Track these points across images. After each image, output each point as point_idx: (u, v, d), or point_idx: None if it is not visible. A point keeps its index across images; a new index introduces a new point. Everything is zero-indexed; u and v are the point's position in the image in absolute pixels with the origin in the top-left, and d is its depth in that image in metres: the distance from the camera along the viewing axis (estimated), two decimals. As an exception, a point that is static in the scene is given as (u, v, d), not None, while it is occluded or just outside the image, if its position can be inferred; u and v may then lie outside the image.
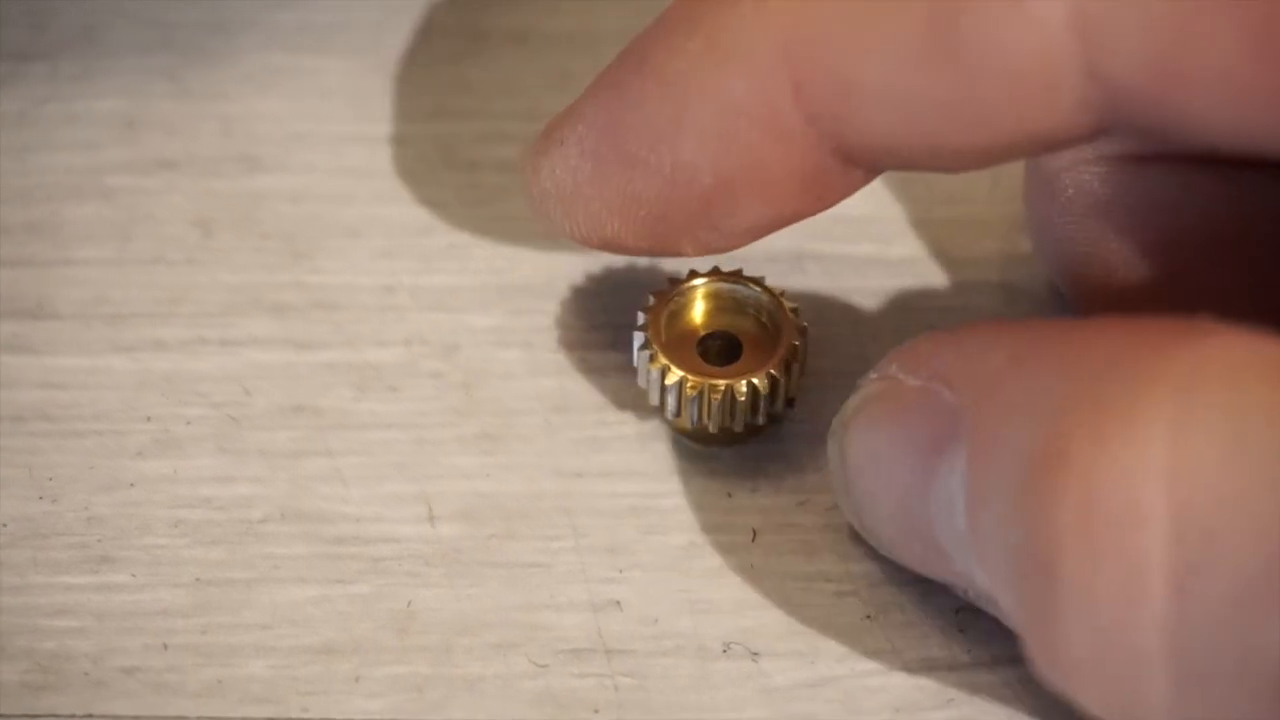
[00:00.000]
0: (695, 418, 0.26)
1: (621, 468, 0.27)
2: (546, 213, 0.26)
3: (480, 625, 0.25)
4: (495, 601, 0.25)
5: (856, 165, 0.24)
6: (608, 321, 0.28)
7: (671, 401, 0.26)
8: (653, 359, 0.26)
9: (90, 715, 0.24)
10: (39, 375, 0.27)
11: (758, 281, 0.27)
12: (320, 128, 0.30)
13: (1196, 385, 0.20)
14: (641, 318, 0.26)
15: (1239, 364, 0.20)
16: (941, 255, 0.29)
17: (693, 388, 0.25)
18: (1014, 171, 0.29)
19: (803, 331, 0.26)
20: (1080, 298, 0.26)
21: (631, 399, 0.27)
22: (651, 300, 0.26)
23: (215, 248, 0.29)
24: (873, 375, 0.24)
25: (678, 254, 0.25)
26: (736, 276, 0.27)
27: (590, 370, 0.28)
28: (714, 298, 0.27)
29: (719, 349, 0.27)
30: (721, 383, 0.25)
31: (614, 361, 0.28)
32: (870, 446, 0.24)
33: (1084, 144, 0.24)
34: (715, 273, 0.27)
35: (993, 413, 0.22)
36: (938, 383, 0.23)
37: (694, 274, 0.27)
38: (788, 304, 0.26)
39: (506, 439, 0.27)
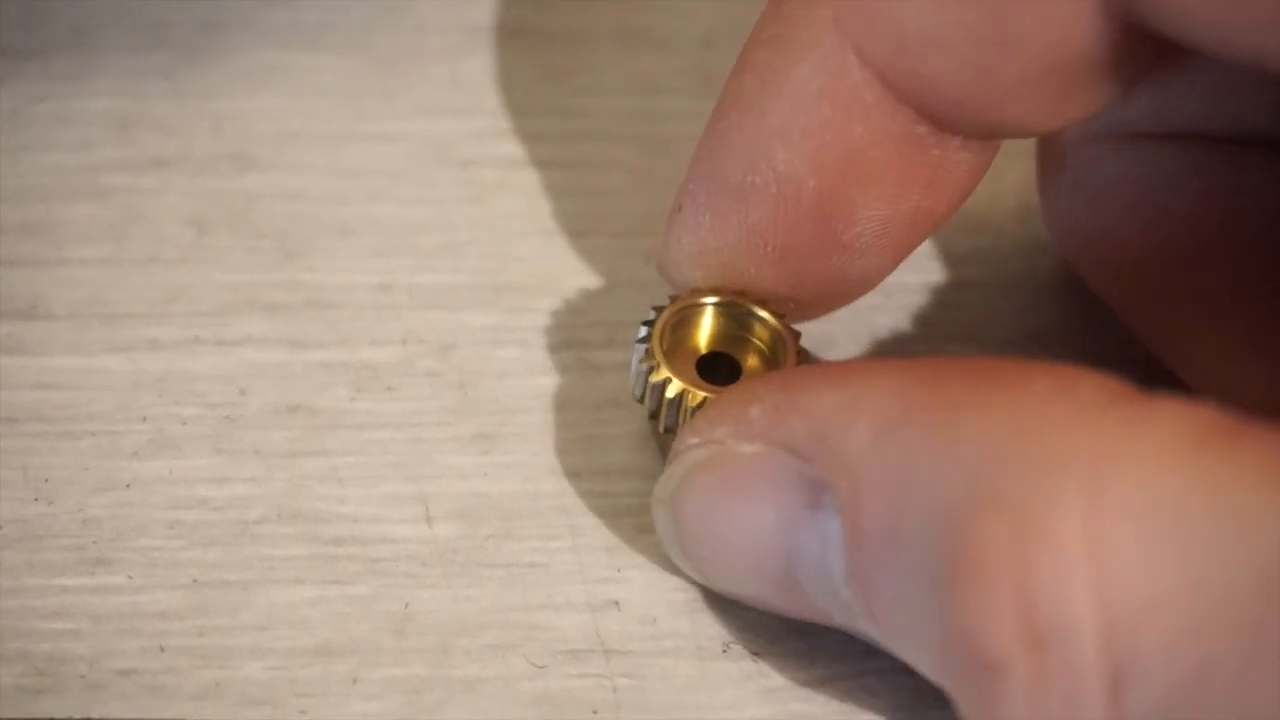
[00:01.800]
0: None
1: (619, 467, 0.26)
2: (691, 282, 0.26)
3: (478, 626, 0.25)
4: (493, 602, 0.25)
5: (947, 130, 0.24)
6: (605, 320, 0.28)
7: (669, 415, 0.25)
8: (654, 371, 0.25)
9: (87, 718, 0.24)
10: (34, 376, 0.27)
11: (764, 305, 0.26)
12: (314, 126, 0.30)
13: (1104, 485, 0.20)
14: (643, 331, 0.26)
15: (1141, 453, 0.20)
16: (938, 250, 0.29)
17: (694, 400, 0.25)
18: (1013, 167, 0.29)
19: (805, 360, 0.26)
20: (1092, 276, 0.26)
21: (629, 398, 0.27)
22: (653, 314, 0.26)
23: (210, 247, 0.29)
24: (692, 440, 0.24)
25: (825, 294, 0.25)
26: (743, 297, 0.26)
27: (587, 369, 0.27)
28: (717, 317, 0.26)
29: (718, 371, 0.26)
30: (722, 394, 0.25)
31: (611, 360, 0.28)
32: (711, 517, 0.24)
33: (1122, 86, 0.24)
34: (721, 291, 0.26)
35: (875, 500, 0.21)
36: (782, 451, 0.22)
37: (697, 291, 0.26)
38: (792, 331, 0.26)
39: (503, 438, 0.27)
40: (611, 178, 0.30)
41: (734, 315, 0.26)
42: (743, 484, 0.23)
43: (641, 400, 0.26)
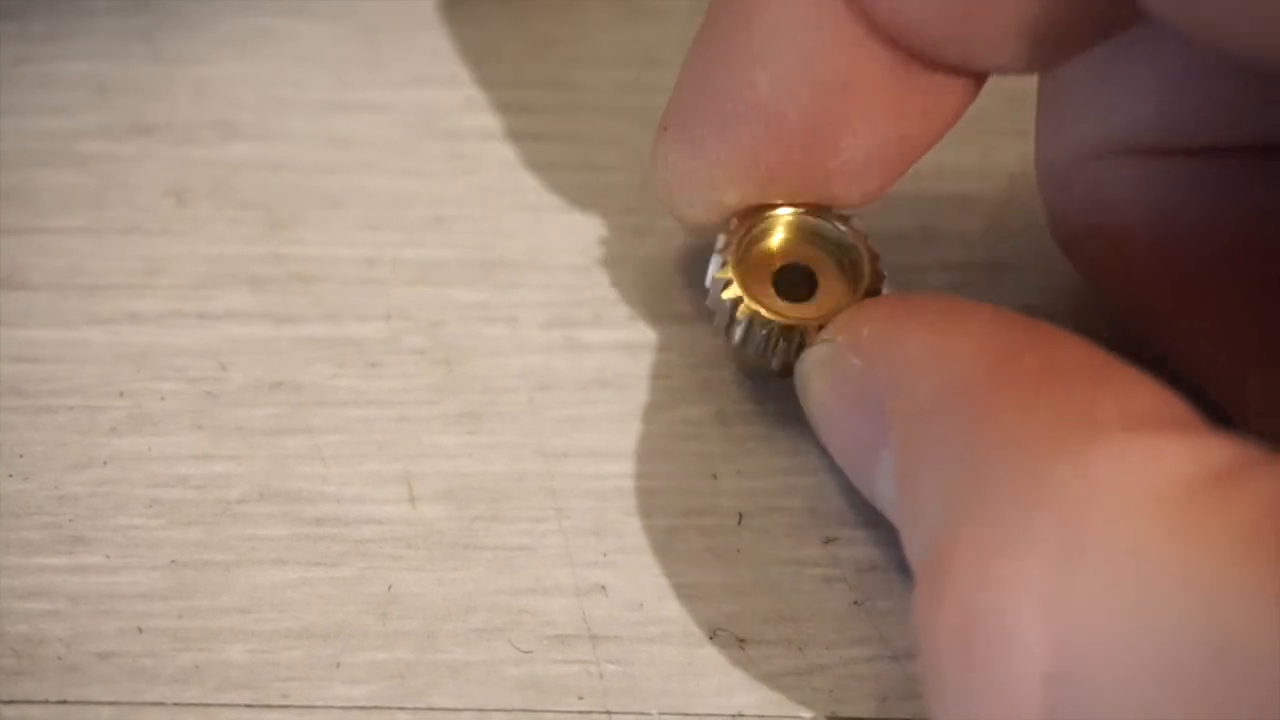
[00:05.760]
0: (760, 352, 0.25)
1: (606, 448, 0.26)
2: (679, 208, 0.26)
3: (464, 610, 0.25)
4: (478, 585, 0.25)
5: (935, 66, 0.24)
6: (594, 298, 0.28)
7: (739, 333, 0.25)
8: (727, 286, 0.25)
9: (64, 701, 0.24)
10: (12, 348, 0.27)
11: (844, 219, 0.26)
12: (299, 94, 0.30)
13: (1083, 519, 0.19)
14: (721, 240, 0.26)
15: (1128, 492, 0.19)
16: (929, 232, 0.28)
17: (762, 325, 0.25)
18: (1004, 146, 0.29)
19: (880, 278, 0.26)
20: (1107, 291, 0.26)
21: (617, 377, 0.27)
22: (733, 223, 0.26)
23: (192, 217, 0.28)
24: (826, 334, 0.25)
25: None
26: (823, 211, 0.26)
27: (575, 348, 0.27)
28: (796, 229, 0.26)
29: (794, 282, 0.26)
30: (793, 320, 0.25)
31: (600, 339, 0.27)
32: (822, 407, 0.24)
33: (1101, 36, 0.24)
34: (801, 205, 0.26)
35: (910, 464, 0.22)
36: (874, 374, 0.23)
37: (775, 205, 0.26)
38: (872, 247, 0.26)
39: (490, 418, 0.26)
40: (602, 152, 0.29)
41: (811, 225, 0.26)
42: (845, 391, 0.24)
43: (715, 313, 0.26)
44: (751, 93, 0.24)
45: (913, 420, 0.22)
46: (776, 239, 0.26)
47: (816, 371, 0.24)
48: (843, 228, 0.26)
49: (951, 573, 0.20)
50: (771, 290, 0.26)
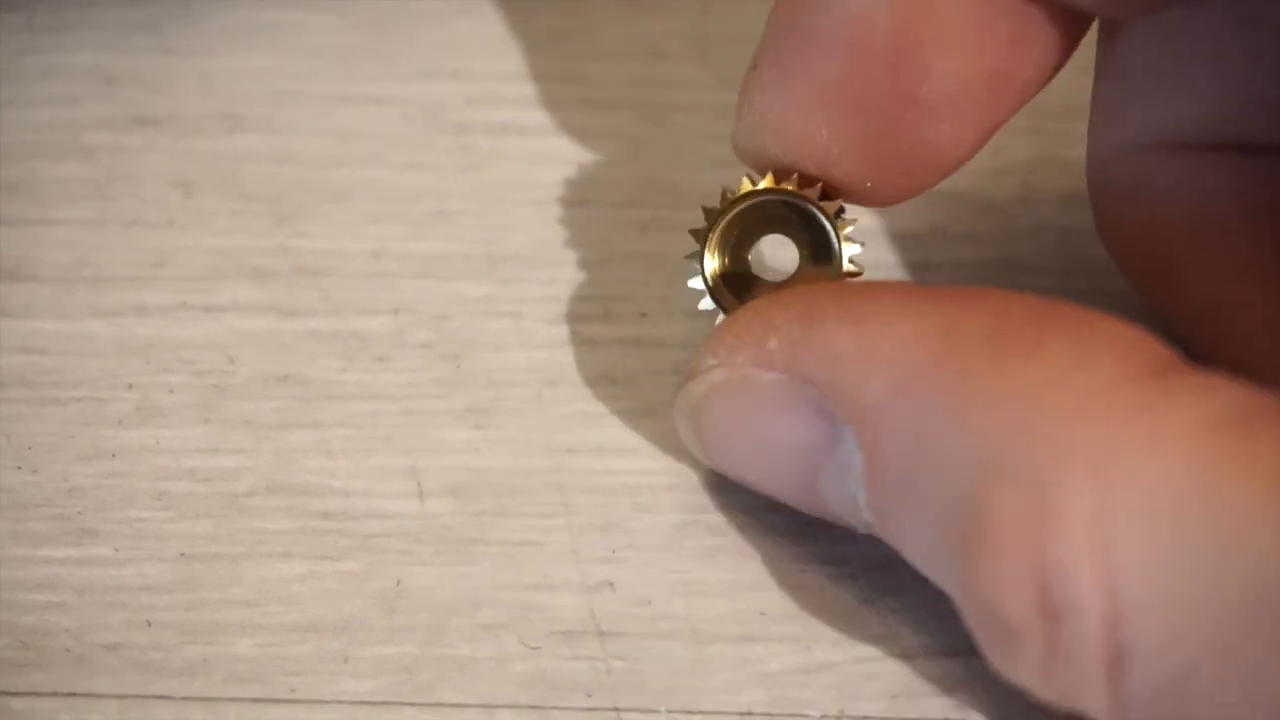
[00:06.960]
0: None
1: (614, 444, 0.26)
2: (763, 148, 0.25)
3: (471, 605, 0.24)
4: (486, 580, 0.25)
5: None
6: (600, 293, 0.27)
7: None
8: (712, 291, 0.25)
9: (73, 694, 0.23)
10: (18, 339, 0.26)
11: (825, 195, 0.25)
12: (305, 86, 0.30)
13: (1112, 466, 0.20)
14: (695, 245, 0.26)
15: (1151, 442, 0.20)
16: (941, 231, 0.28)
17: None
18: (1016, 145, 0.29)
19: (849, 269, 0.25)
20: (1147, 290, 0.26)
21: (624, 373, 0.27)
22: (709, 213, 0.26)
23: (197, 209, 0.28)
24: (711, 361, 0.24)
25: (901, 165, 0.24)
26: (785, 190, 0.25)
27: (582, 343, 0.27)
28: (765, 215, 0.25)
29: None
30: None
31: (606, 334, 0.27)
32: (733, 435, 0.24)
33: None
34: (781, 180, 0.25)
35: (893, 452, 0.22)
36: (801, 382, 0.23)
37: (727, 192, 0.26)
38: (845, 225, 0.25)
39: (497, 412, 0.26)
40: (608, 146, 0.29)
41: (785, 208, 0.25)
42: (764, 410, 0.23)
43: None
44: (842, 6, 0.23)
45: (880, 414, 0.22)
46: (745, 229, 0.26)
47: (719, 397, 0.24)
48: (810, 207, 0.25)
49: (1010, 546, 0.20)
50: (754, 278, 0.26)
